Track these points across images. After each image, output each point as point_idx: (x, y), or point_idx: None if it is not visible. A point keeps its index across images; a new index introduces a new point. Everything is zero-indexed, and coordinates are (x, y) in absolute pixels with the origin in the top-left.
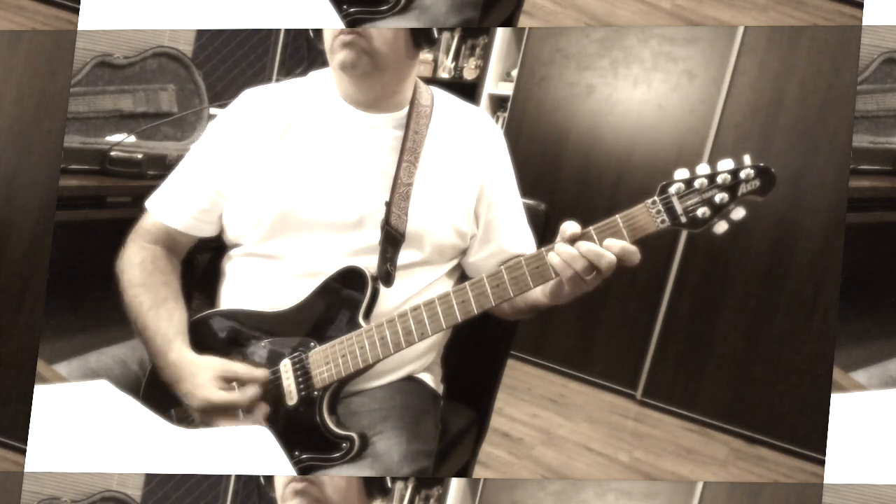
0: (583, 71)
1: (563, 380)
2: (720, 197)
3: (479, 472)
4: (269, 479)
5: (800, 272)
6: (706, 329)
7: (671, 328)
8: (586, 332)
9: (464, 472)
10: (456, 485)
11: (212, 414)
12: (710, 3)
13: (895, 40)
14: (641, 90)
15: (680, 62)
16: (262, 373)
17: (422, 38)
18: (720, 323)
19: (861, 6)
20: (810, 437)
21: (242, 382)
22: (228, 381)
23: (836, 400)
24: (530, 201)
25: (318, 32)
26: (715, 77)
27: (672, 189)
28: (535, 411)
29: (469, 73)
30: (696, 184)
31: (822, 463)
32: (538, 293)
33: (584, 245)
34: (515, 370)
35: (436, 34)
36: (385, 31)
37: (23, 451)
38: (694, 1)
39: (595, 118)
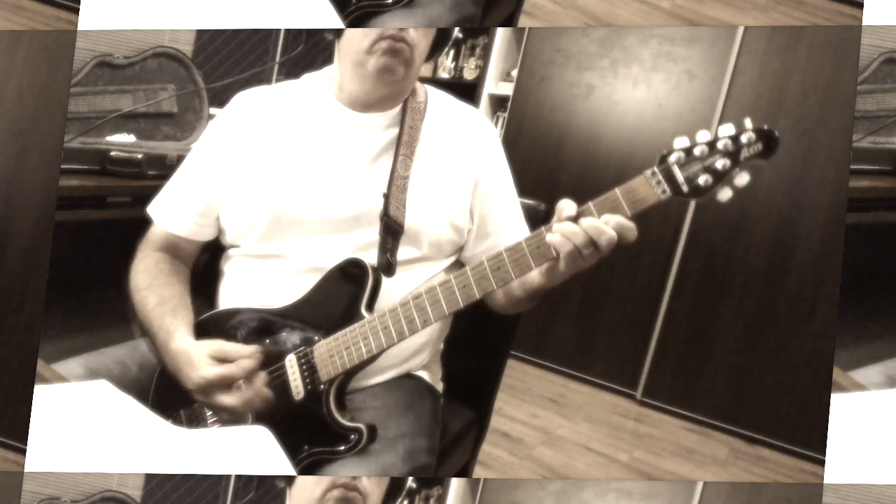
0: (583, 71)
1: (563, 380)
2: (722, 163)
3: (479, 472)
4: (291, 481)
5: (800, 272)
6: (706, 329)
7: (671, 328)
8: (586, 332)
9: (464, 472)
10: (456, 485)
11: (211, 393)
12: (710, 3)
13: (895, 40)
14: (641, 90)
15: (680, 62)
16: (252, 349)
17: (445, 40)
18: (720, 323)
19: (861, 6)
20: (810, 437)
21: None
22: (221, 360)
23: (836, 400)
24: (530, 201)
25: (340, 32)
26: (715, 77)
27: (672, 158)
28: (535, 411)
29: (469, 73)
30: (697, 151)
31: (822, 463)
32: (534, 275)
33: (585, 221)
34: (515, 370)
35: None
36: (419, 36)
37: (23, 451)
38: (694, 1)
39: (595, 118)
